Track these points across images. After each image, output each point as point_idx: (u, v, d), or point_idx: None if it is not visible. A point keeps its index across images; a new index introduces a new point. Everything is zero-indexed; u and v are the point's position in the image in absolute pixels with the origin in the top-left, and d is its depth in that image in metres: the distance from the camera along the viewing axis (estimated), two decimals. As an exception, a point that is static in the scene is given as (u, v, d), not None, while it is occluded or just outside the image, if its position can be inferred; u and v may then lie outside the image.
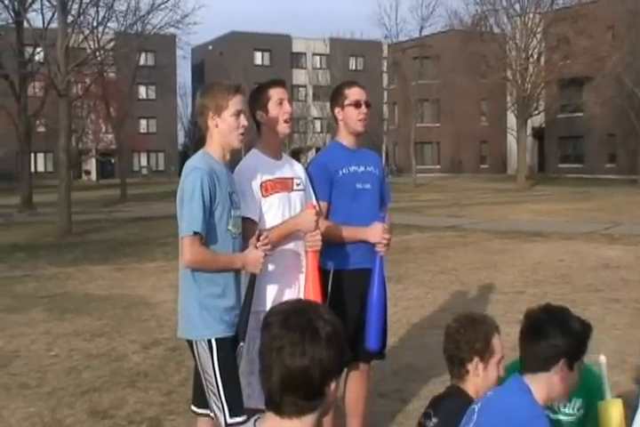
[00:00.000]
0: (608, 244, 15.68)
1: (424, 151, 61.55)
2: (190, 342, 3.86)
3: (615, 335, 7.70)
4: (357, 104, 4.63)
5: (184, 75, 74.84)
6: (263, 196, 4.14)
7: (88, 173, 65.59)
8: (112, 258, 14.81)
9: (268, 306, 3.99)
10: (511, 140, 52.18)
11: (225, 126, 3.86)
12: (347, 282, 4.54)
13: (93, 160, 61.95)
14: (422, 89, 51.02)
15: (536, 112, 45.76)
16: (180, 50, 38.01)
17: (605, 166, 51.48)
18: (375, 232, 4.51)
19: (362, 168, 4.67)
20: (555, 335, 2.88)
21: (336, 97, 4.72)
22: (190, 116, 74.51)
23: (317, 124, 66.30)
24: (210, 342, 3.77)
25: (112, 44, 28.08)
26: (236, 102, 3.86)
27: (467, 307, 9.46)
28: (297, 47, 74.94)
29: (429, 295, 10.34)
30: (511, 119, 48.70)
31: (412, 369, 6.78)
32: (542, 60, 45.45)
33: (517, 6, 45.37)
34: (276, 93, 4.23)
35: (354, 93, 4.67)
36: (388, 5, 59.38)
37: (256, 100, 4.28)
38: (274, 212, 4.16)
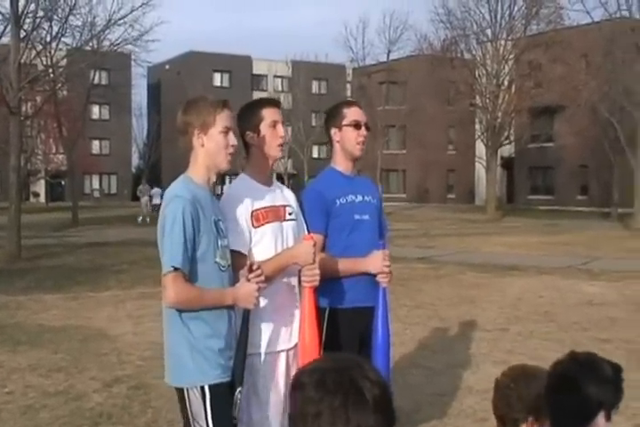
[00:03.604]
0: (588, 279, 15.33)
1: (389, 179, 60.70)
2: (179, 389, 3.51)
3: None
4: (357, 125, 4.30)
5: (140, 94, 73.71)
6: (254, 226, 3.80)
7: (36, 195, 64.54)
8: (65, 286, 14.34)
9: (262, 348, 3.78)
10: (479, 170, 51.05)
11: (212, 145, 3.55)
12: (344, 322, 4.18)
13: (42, 182, 61.12)
14: (389, 115, 50.60)
15: (507, 141, 44.72)
16: (139, 67, 37.64)
17: (577, 198, 50.84)
18: (375, 261, 4.17)
19: (359, 197, 4.34)
20: (588, 387, 2.55)
21: (333, 116, 4.37)
22: (145, 137, 73.44)
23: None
24: (203, 388, 3.43)
25: (66, 60, 27.02)
26: (223, 118, 3.56)
27: (449, 345, 9.26)
28: (258, 69, 74.30)
29: (408, 331, 9.93)
30: (480, 148, 47.51)
31: (398, 412, 5.27)
32: (514, 87, 44.37)
33: (489, 32, 44.55)
34: (269, 114, 3.91)
35: (353, 113, 4.33)
36: (354, 27, 58.71)
37: (246, 120, 3.93)
38: (266, 244, 3.82)
